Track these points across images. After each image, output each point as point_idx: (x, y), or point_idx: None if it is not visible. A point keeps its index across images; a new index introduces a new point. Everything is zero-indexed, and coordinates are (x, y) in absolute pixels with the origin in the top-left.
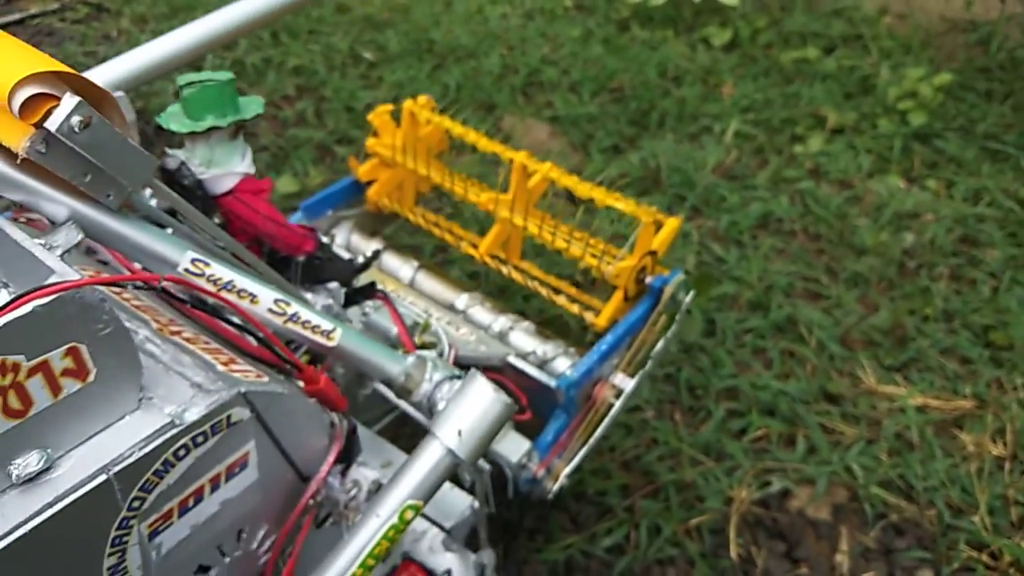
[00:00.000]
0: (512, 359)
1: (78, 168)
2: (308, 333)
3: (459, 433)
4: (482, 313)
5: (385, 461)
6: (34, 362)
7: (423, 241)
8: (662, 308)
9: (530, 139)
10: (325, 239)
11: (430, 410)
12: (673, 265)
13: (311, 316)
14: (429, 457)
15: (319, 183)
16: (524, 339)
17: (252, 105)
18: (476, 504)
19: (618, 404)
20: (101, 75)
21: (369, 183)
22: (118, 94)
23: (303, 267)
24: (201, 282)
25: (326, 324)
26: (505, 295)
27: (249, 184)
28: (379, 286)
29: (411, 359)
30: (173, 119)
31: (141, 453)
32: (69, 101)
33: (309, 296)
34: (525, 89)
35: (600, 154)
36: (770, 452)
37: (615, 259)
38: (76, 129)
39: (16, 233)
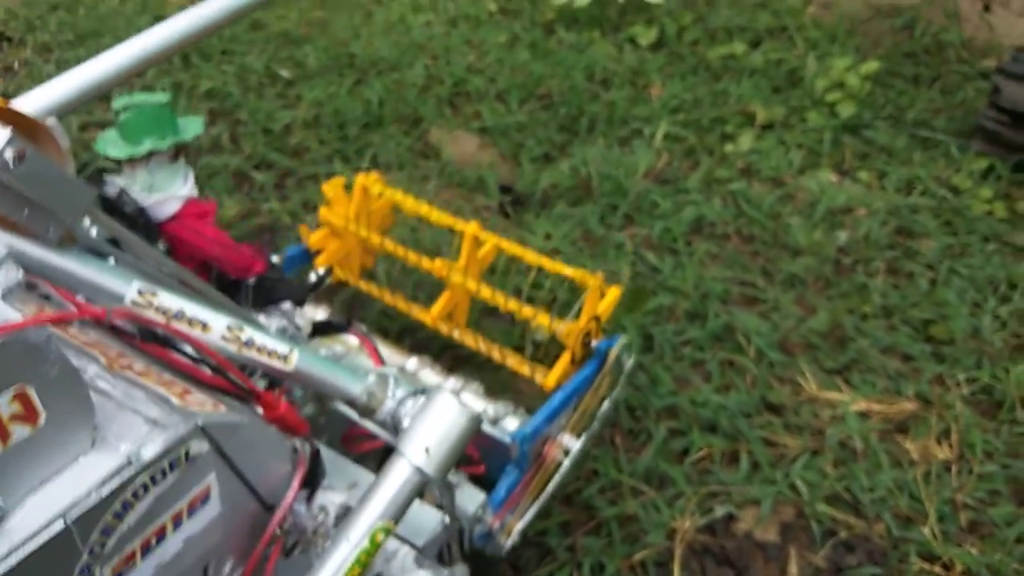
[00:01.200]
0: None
1: (15, 204)
2: (264, 358)
3: (426, 450)
4: (432, 375)
5: (351, 482)
6: None
7: (367, 319)
8: (607, 370)
9: (459, 151)
10: (275, 259)
11: (395, 428)
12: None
13: (266, 340)
14: (397, 476)
15: (235, 214)
16: (474, 400)
17: (192, 125)
18: (447, 519)
19: (567, 463)
20: (30, 103)
21: (317, 252)
22: (50, 121)
23: (254, 289)
24: (150, 313)
25: (282, 348)
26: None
27: (193, 207)
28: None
29: (372, 377)
30: (110, 144)
31: (99, 496)
32: (1, 135)
33: (263, 319)
34: (452, 100)
35: (531, 164)
36: (713, 473)
37: (559, 322)
38: (10, 164)
39: None
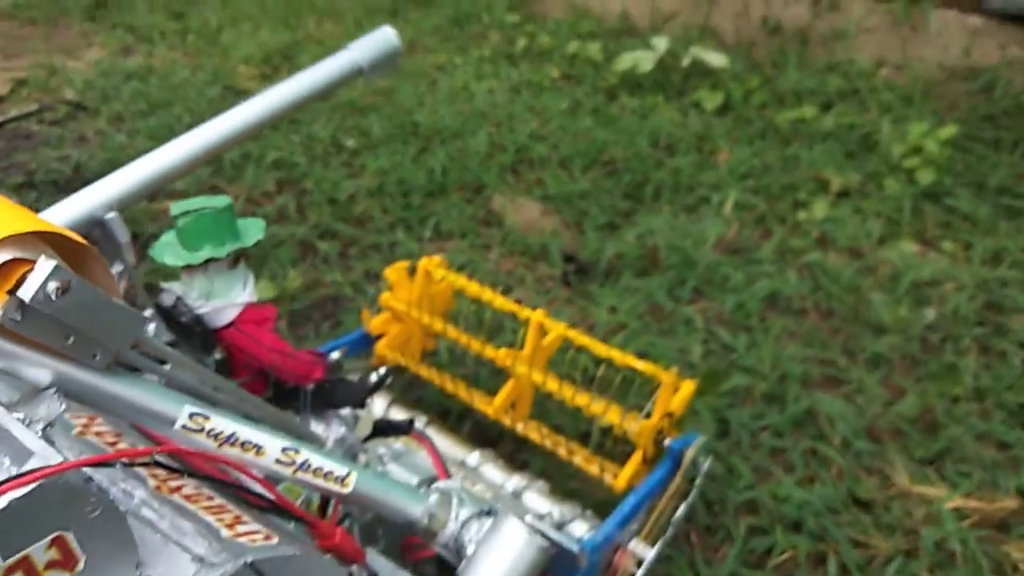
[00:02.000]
0: (529, 519)
1: (58, 333)
2: (320, 481)
3: None
4: (494, 472)
5: None
6: (12, 560)
7: (427, 399)
8: (683, 473)
9: (522, 218)
10: (336, 355)
11: (458, 552)
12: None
13: (322, 462)
14: None
15: (299, 285)
16: (539, 500)
17: (252, 230)
18: None
19: (639, 574)
20: (90, 197)
21: (378, 337)
22: (111, 215)
23: (313, 393)
24: (200, 438)
25: (339, 469)
26: (515, 445)
27: (252, 313)
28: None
29: (434, 497)
30: (167, 251)
31: None
32: (44, 266)
33: (320, 428)
34: (514, 167)
35: (595, 232)
36: None
37: (633, 419)
38: (52, 296)
39: None
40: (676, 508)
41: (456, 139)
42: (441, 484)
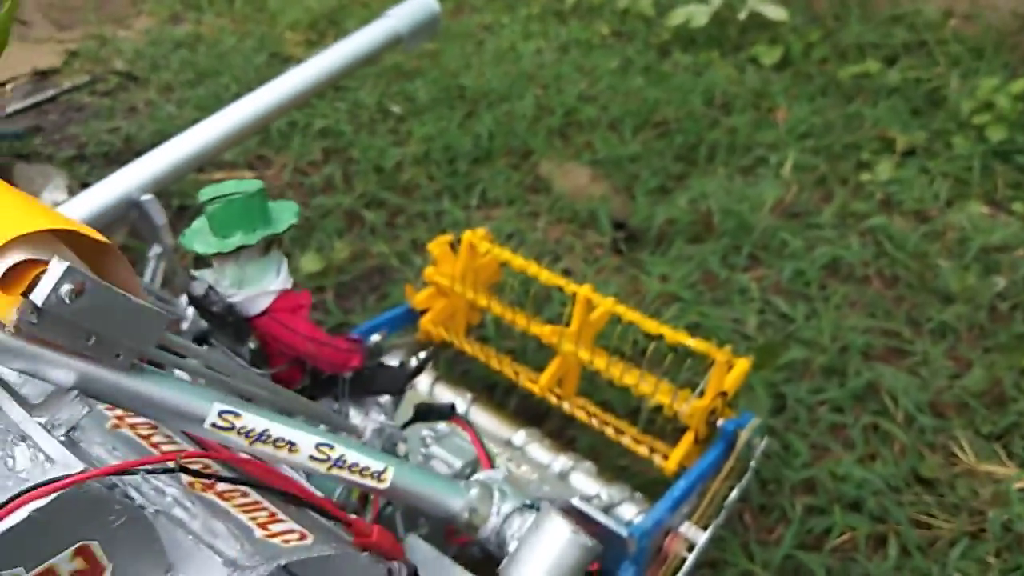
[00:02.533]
0: (577, 502)
1: (77, 335)
2: (357, 477)
3: None
4: (540, 451)
5: None
6: (36, 572)
7: (473, 373)
8: (736, 455)
9: (570, 184)
10: (375, 338)
11: (499, 547)
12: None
13: (359, 457)
14: None
15: (346, 256)
16: (587, 481)
17: (285, 215)
18: None
19: (691, 559)
20: (126, 179)
21: (423, 312)
22: (147, 197)
23: (351, 381)
24: (231, 436)
25: (376, 464)
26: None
27: (286, 301)
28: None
29: (475, 490)
30: (197, 239)
31: None
32: (56, 268)
33: (358, 419)
34: (562, 130)
35: (646, 197)
36: (857, 563)
37: (684, 398)
38: (67, 299)
39: (13, 410)
40: (729, 491)
41: (503, 102)
42: (482, 475)
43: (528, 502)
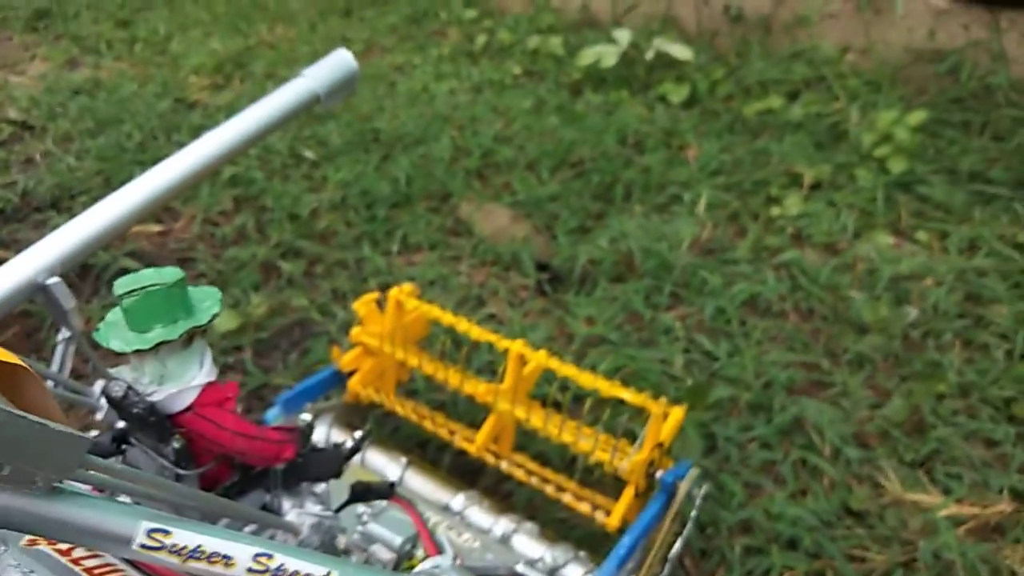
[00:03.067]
0: (521, 568)
1: None
2: None
3: None
4: (480, 515)
5: None
6: None
7: (404, 430)
8: (678, 506)
9: (491, 226)
10: (305, 419)
11: None
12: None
13: (299, 564)
14: None
15: (263, 312)
16: (529, 544)
17: (208, 303)
18: None
19: None
20: (30, 262)
21: (350, 373)
22: (53, 280)
23: (284, 472)
24: (163, 555)
25: (317, 569)
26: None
27: (211, 394)
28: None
29: None
30: (113, 334)
31: None
32: None
33: (293, 514)
34: (480, 172)
35: (567, 236)
36: None
37: (619, 450)
38: None
39: None
40: (673, 540)
41: (419, 145)
42: (429, 565)
43: None
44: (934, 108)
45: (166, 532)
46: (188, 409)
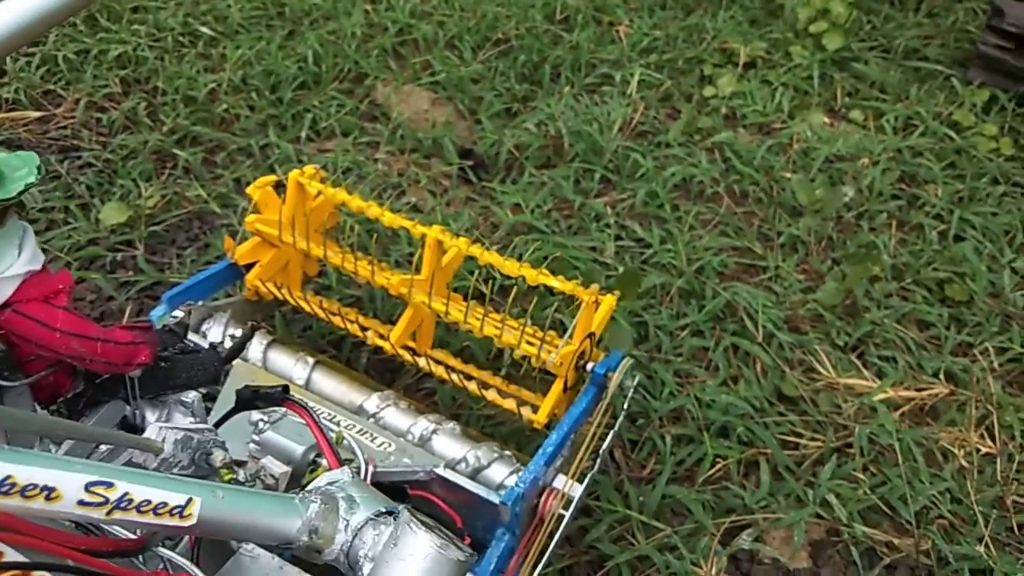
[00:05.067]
0: (442, 471)
1: None
2: (151, 519)
3: None
4: (398, 416)
5: None
6: None
7: (316, 329)
8: (609, 399)
9: (410, 110)
10: (174, 317)
11: (351, 566)
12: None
13: (149, 492)
14: None
15: (156, 204)
16: (451, 444)
17: (20, 172)
18: None
19: (568, 515)
20: None
21: (248, 266)
22: None
23: (142, 380)
24: None
25: (174, 497)
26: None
27: (35, 287)
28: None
29: (314, 505)
30: None
31: None
32: None
33: (155, 429)
34: (397, 50)
35: (492, 121)
36: (730, 490)
37: (547, 342)
38: None
39: None
40: (603, 435)
41: (328, 20)
42: (323, 481)
43: (383, 508)
44: None
45: None
46: (6, 306)
